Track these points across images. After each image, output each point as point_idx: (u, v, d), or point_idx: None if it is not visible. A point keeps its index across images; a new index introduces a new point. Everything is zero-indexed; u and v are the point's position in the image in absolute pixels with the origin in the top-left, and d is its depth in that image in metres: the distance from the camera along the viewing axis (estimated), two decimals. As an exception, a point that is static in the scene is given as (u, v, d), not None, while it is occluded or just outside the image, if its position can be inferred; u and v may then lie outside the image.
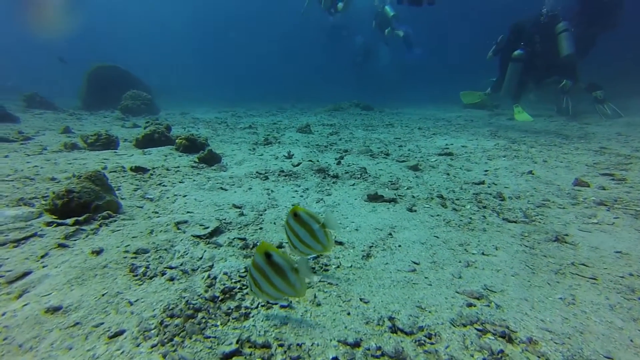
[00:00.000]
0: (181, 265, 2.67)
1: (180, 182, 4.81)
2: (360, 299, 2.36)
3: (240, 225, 3.53)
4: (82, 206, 3.44)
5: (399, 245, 3.20)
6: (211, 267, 2.67)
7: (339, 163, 6.16)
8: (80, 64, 13.88)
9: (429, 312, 2.24)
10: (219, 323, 2.04)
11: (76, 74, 13.09)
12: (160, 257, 2.77)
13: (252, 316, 2.13)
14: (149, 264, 2.65)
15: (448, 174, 5.70)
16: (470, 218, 3.86)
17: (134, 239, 3.04)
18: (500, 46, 12.48)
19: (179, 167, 5.61)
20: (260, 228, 3.48)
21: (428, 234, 3.46)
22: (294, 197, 4.51)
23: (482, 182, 5.11)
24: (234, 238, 3.21)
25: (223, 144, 7.79)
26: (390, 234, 3.43)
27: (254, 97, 24.94)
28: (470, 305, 2.29)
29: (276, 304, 2.24)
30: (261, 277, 1.75)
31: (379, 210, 4.13)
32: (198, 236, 3.16)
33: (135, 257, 2.74)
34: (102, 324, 1.98)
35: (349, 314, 2.20)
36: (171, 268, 2.61)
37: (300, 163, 5.81)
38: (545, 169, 5.87)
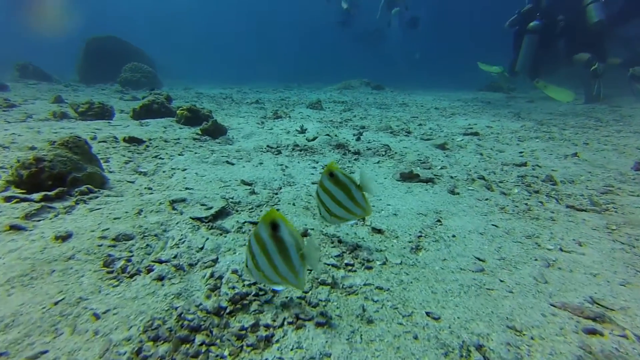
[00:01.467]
0: (174, 258, 1.92)
1: (179, 155, 4.04)
2: (427, 314, 1.62)
3: (251, 205, 2.78)
4: (56, 178, 2.68)
5: (453, 236, 2.45)
6: (215, 261, 1.93)
7: (358, 139, 5.37)
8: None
9: (532, 338, 1.50)
10: (226, 353, 1.31)
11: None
12: (147, 245, 2.02)
13: (277, 340, 1.39)
14: (132, 256, 1.90)
15: (481, 155, 4.91)
16: (526, 204, 3.10)
17: (116, 221, 2.28)
18: (518, 20, 11.42)
19: (179, 139, 4.82)
20: (277, 210, 2.73)
21: (483, 221, 2.71)
22: (312, 174, 3.75)
23: (525, 164, 4.32)
24: (244, 222, 2.46)
25: (229, 117, 6.98)
26: (439, 221, 2.68)
27: (259, 77, 23.91)
28: (591, 332, 1.54)
29: (303, 319, 1.51)
30: (262, 254, 1.41)
31: (415, 191, 3.37)
32: (198, 219, 2.41)
33: (114, 246, 1.98)
34: (44, 353, 1.24)
35: (416, 337, 1.47)
36: (161, 262, 1.87)
37: (316, 137, 5.03)
38: (590, 152, 5.07)
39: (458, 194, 3.33)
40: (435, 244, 2.34)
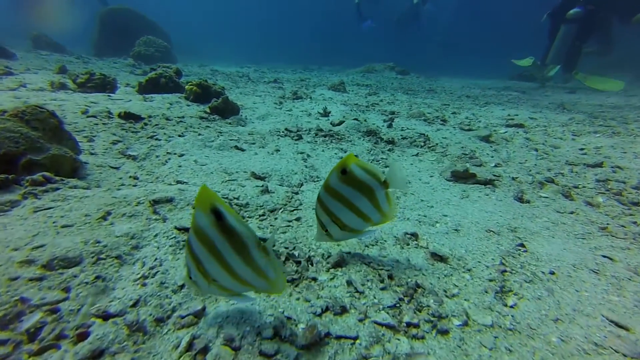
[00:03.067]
0: (133, 306, 1.16)
1: (179, 136, 3.27)
2: None
3: (263, 210, 2.00)
4: (1, 161, 1.94)
5: (551, 272, 1.63)
6: (200, 315, 1.16)
7: (390, 126, 4.51)
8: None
9: None
10: None
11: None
12: (97, 278, 1.26)
13: None
14: (62, 301, 1.14)
15: (536, 150, 4.02)
16: (636, 222, 2.24)
17: (64, 232, 1.52)
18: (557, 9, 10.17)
19: (183, 117, 4.05)
20: (297, 219, 1.94)
21: (585, 249, 1.87)
22: (340, 167, 2.95)
23: (600, 164, 3.42)
24: (252, 236, 1.69)
25: (243, 96, 6.16)
26: (522, 246, 1.86)
27: (278, 58, 22.83)
28: None
29: None
30: (208, 254, 0.99)
31: (473, 196, 2.54)
32: (186, 230, 1.64)
33: (41, 279, 1.23)
34: None
35: None
36: (107, 317, 1.10)
37: (343, 122, 4.19)
38: (669, 150, 4.12)
39: (529, 202, 2.48)
40: (530, 286, 1.52)
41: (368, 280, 1.46)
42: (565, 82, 10.38)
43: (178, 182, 2.20)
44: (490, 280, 1.54)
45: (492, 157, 3.67)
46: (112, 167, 2.55)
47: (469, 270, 1.62)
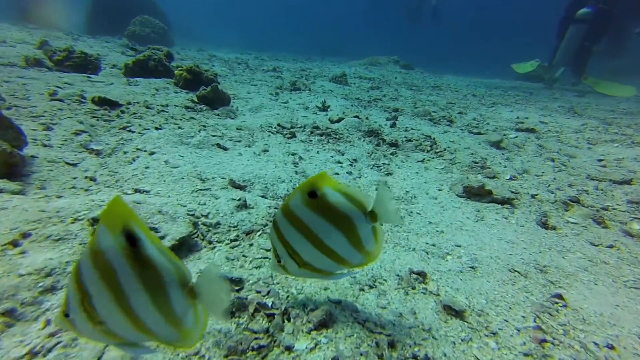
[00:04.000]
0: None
1: (156, 129, 2.82)
2: None
3: (237, 232, 1.59)
4: None
5: (609, 347, 1.22)
6: None
7: (393, 125, 4.07)
8: None
9: None
10: None
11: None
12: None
13: None
14: None
15: (552, 161, 3.60)
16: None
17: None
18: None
19: (167, 105, 3.59)
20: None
21: (637, 301, 1.47)
22: (337, 174, 2.52)
23: (629, 182, 3.01)
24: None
25: (238, 84, 5.68)
26: (559, 298, 1.45)
27: (281, 46, 22.10)
28: None
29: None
30: (108, 291, 0.73)
31: (489, 219, 2.12)
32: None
33: None
34: None
35: None
36: None
37: (342, 119, 3.74)
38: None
39: (554, 228, 2.07)
40: (578, 365, 1.12)
41: (362, 354, 1.05)
42: (574, 85, 9.92)
43: (137, 190, 1.77)
44: (526, 356, 1.13)
45: (506, 167, 3.25)
46: (67, 164, 2.12)
47: (494, 333, 1.22)
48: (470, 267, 1.60)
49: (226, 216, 1.68)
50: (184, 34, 15.62)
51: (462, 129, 4.57)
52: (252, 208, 1.81)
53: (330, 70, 9.02)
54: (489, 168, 3.16)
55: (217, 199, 1.82)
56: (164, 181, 1.92)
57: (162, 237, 1.37)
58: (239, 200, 1.79)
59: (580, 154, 4.00)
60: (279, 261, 1.05)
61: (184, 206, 1.67)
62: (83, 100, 3.24)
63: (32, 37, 7.06)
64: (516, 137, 4.64)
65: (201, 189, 1.88)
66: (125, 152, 2.36)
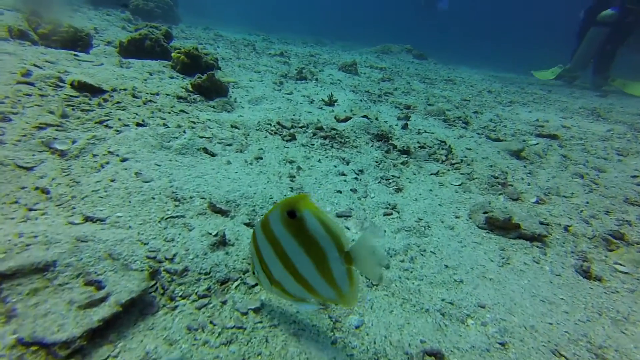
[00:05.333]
0: None
1: (137, 125, 2.43)
2: None
3: (208, 283, 1.23)
4: None
5: None
6: None
7: (405, 126, 3.65)
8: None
9: None
10: None
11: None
12: None
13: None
14: None
15: (581, 177, 3.19)
16: None
17: None
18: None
19: (157, 94, 3.19)
20: (257, 309, 1.18)
21: None
22: (339, 191, 2.14)
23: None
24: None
25: (241, 70, 5.23)
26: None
27: (292, 28, 21.23)
28: None
29: None
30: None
31: (517, 263, 1.75)
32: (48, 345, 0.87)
33: None
34: None
35: None
36: None
37: (349, 118, 3.32)
38: None
39: (600, 280, 1.69)
40: None
41: None
42: (597, 87, 9.32)
43: (88, 219, 1.40)
44: None
45: (529, 184, 2.85)
46: (19, 167, 1.76)
47: None
48: (500, 344, 1.24)
49: (197, 259, 1.32)
50: (193, 10, 14.94)
51: (478, 133, 4.14)
52: (232, 245, 1.44)
53: (340, 57, 8.48)
54: (511, 185, 2.76)
55: (190, 230, 1.46)
56: (129, 202, 1.55)
57: (104, 299, 1.02)
58: (216, 235, 1.43)
59: (611, 168, 3.58)
60: (253, 272, 1.05)
61: (146, 244, 1.30)
62: (61, 84, 2.85)
63: (24, 6, 6.58)
64: (537, 144, 4.21)
65: (172, 216, 1.52)
66: (94, 155, 1.98)
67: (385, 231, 1.86)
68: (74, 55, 3.84)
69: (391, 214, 2.02)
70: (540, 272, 1.69)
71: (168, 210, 1.56)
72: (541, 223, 2.06)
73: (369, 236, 0.89)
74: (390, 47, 10.78)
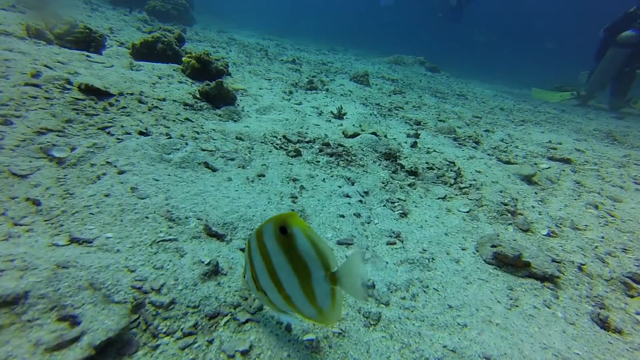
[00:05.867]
0: None
1: (140, 134, 2.37)
2: None
3: (195, 318, 1.14)
4: None
5: None
6: None
7: (414, 145, 3.55)
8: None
9: None
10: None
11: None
12: None
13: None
14: None
15: (595, 207, 3.05)
16: None
17: None
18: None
19: (164, 100, 3.14)
20: (246, 351, 1.09)
21: None
22: (341, 215, 2.04)
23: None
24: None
25: (252, 76, 5.18)
26: None
27: (307, 32, 21.26)
28: None
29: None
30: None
31: (526, 306, 1.63)
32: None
33: None
34: None
35: None
36: None
37: (358, 134, 3.24)
38: None
39: (620, 332, 1.57)
40: None
41: None
42: (615, 109, 9.11)
43: (74, 240, 1.32)
44: None
45: (540, 214, 2.73)
46: (14, 175, 1.70)
47: None
48: (506, 405, 1.13)
49: (186, 290, 1.23)
50: (209, 11, 15.03)
51: (489, 154, 4.01)
52: (225, 275, 1.36)
53: (352, 67, 8.41)
54: (521, 214, 2.64)
55: (182, 257, 1.37)
56: (121, 221, 1.48)
57: (76, 339, 0.93)
58: (209, 264, 1.34)
59: (628, 198, 3.44)
60: (244, 276, 1.09)
61: (133, 271, 1.22)
62: (68, 87, 2.81)
63: (48, 4, 6.62)
64: (549, 167, 4.08)
65: (165, 239, 1.44)
66: (92, 165, 1.92)
67: (387, 263, 1.76)
68: (86, 56, 3.82)
69: (395, 243, 1.92)
70: (552, 318, 1.57)
71: (161, 232, 1.48)
72: (553, 261, 1.94)
73: (356, 259, 0.90)
74: (403, 58, 10.69)
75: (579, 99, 9.96)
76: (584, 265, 2.04)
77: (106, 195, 1.64)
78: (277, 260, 0.94)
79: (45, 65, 3.14)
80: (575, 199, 3.17)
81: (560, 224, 2.59)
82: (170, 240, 1.44)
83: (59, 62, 3.37)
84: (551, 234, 2.39)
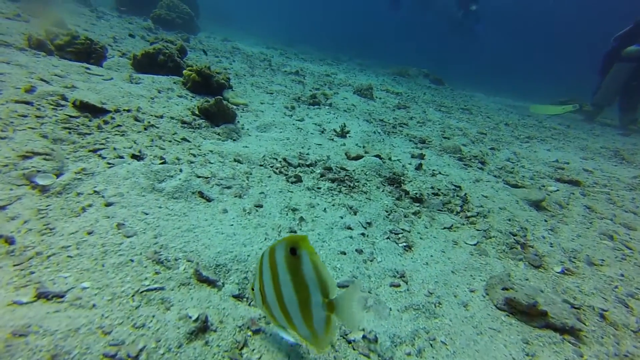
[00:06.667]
0: None
1: (133, 157, 2.24)
2: None
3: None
4: None
5: None
6: None
7: (419, 167, 3.41)
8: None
9: None
10: None
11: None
12: None
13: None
14: None
15: (610, 238, 2.90)
16: None
17: None
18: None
19: (161, 117, 3.02)
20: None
21: None
22: (342, 252, 1.90)
23: None
24: None
25: (253, 89, 5.07)
26: None
27: (311, 40, 21.25)
28: None
29: None
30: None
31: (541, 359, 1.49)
32: None
33: None
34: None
35: None
36: None
37: (362, 156, 3.10)
38: None
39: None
40: None
41: None
42: (625, 125, 8.95)
43: (41, 295, 1.18)
44: None
45: (552, 245, 2.58)
46: (-6, 210, 1.57)
47: None
48: None
49: (169, 354, 1.09)
50: (215, 19, 15.02)
51: (495, 176, 3.88)
52: (214, 331, 1.22)
53: (356, 78, 8.31)
54: (531, 247, 2.50)
55: (167, 310, 1.24)
56: (102, 267, 1.35)
57: None
58: (197, 320, 1.20)
59: (640, 225, 3.30)
60: (252, 288, 1.12)
61: (108, 333, 1.09)
62: (62, 103, 2.69)
63: (52, 13, 6.56)
64: (557, 190, 3.93)
65: (150, 289, 1.30)
66: (78, 194, 1.79)
67: (390, 310, 1.61)
68: (85, 68, 3.72)
69: (399, 285, 1.78)
70: (571, 380, 1.42)
71: (146, 279, 1.34)
72: (572, 307, 1.79)
73: (353, 291, 0.96)
74: (407, 70, 10.60)
75: (583, 113, 9.82)
76: (606, 311, 1.89)
77: (89, 233, 1.51)
78: (283, 279, 0.99)
79: (42, 79, 3.03)
80: (588, 228, 3.03)
81: (574, 257, 2.44)
82: (155, 289, 1.31)
83: (56, 75, 3.26)
84: (566, 271, 2.24)
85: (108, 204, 1.72)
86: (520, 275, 2.11)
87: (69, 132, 2.39)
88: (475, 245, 2.37)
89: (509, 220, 2.87)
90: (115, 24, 7.45)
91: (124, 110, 2.94)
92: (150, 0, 9.17)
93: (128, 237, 1.53)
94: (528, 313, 1.68)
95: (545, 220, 3.05)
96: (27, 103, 2.48)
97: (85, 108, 2.72)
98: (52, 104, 2.63)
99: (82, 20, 6.91)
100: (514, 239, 2.55)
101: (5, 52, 3.53)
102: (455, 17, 17.14)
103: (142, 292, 1.28)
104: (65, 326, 1.04)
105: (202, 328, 1.20)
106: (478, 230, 2.58)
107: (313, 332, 1.00)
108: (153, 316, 1.20)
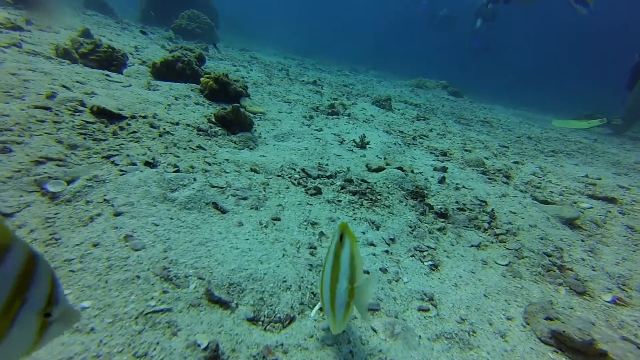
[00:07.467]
0: None
1: (146, 164, 2.15)
2: None
3: None
4: None
5: None
6: None
7: (442, 180, 3.23)
8: None
9: None
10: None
11: None
12: None
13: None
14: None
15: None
16: None
17: None
18: None
19: (177, 124, 2.95)
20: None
21: None
22: (366, 272, 1.74)
23: None
24: None
25: (271, 98, 4.99)
26: None
27: (328, 51, 21.31)
28: None
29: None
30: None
31: (600, 410, 1.28)
32: None
33: None
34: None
35: None
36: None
37: (383, 168, 2.95)
38: None
39: None
40: None
41: None
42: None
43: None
44: None
45: (594, 269, 2.35)
46: (-1, 217, 1.48)
47: None
48: None
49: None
50: (234, 29, 15.25)
51: (522, 191, 3.65)
52: (224, 362, 1.07)
53: (374, 89, 8.19)
54: (571, 270, 2.27)
55: (173, 336, 1.10)
56: (105, 283, 1.22)
57: None
58: (206, 349, 1.06)
59: (691, 250, 3.01)
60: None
61: (105, 363, 0.95)
62: (80, 109, 2.65)
63: (83, 24, 6.72)
64: (591, 207, 3.67)
65: (156, 310, 1.17)
66: (88, 202, 1.69)
67: (419, 337, 1.44)
68: (106, 75, 3.71)
69: (428, 309, 1.60)
70: None
71: (152, 298, 1.21)
72: (638, 347, 1.57)
73: (373, 282, 1.16)
74: (425, 82, 10.43)
75: (611, 127, 9.41)
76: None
77: (94, 245, 1.40)
78: (328, 261, 1.08)
79: (63, 86, 3.01)
80: (634, 250, 2.77)
81: (624, 284, 2.20)
82: (162, 311, 1.17)
83: (77, 82, 3.25)
84: (617, 301, 2.01)
85: (117, 214, 1.62)
86: (563, 303, 1.90)
87: (84, 138, 2.32)
88: (507, 265, 2.17)
89: (542, 238, 2.65)
90: (138, 34, 7.57)
91: (140, 116, 2.87)
92: (171, 12, 9.34)
93: (136, 250, 1.41)
94: (583, 352, 1.47)
95: (582, 240, 2.82)
96: (46, 108, 2.43)
97: (102, 114, 2.67)
98: (70, 110, 2.58)
99: (107, 31, 7.04)
100: (550, 260, 2.34)
101: (32, 60, 3.55)
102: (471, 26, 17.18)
103: (147, 314, 1.15)
104: (57, 355, 0.91)
105: (212, 358, 1.06)
106: (509, 249, 2.37)
107: (334, 313, 1.06)
108: (157, 343, 1.06)
